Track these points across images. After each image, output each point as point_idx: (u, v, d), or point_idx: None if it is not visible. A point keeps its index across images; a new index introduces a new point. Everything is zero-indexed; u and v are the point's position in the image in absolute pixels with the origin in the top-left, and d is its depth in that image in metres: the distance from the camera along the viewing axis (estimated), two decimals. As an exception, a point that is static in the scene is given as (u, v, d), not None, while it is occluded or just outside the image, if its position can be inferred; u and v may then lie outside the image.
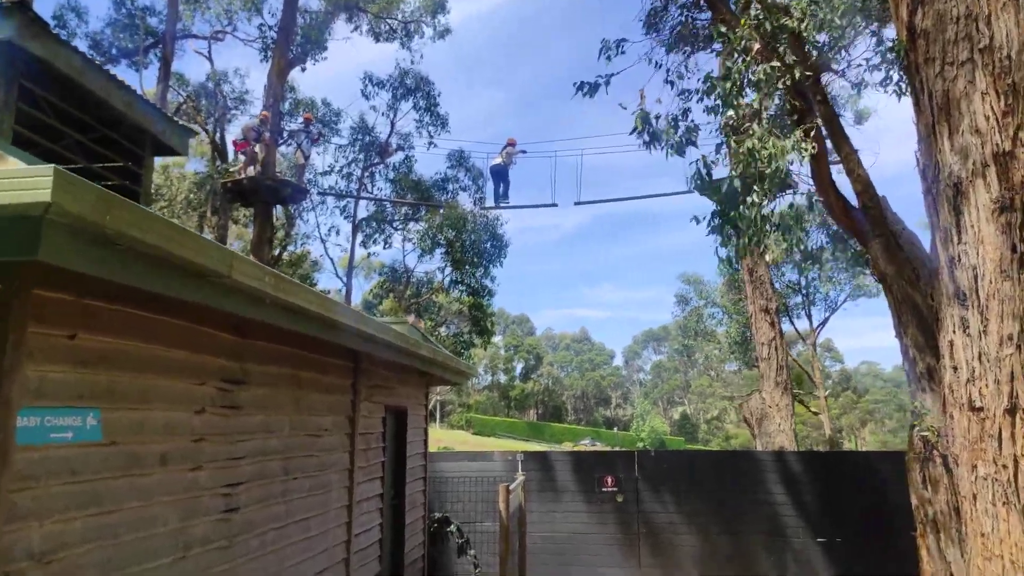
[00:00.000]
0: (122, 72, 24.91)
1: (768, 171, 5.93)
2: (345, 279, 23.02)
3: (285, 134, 17.62)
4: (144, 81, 23.77)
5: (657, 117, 7.26)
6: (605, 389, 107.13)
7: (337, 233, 23.40)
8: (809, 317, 27.33)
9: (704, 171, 6.83)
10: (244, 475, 4.61)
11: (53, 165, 2.21)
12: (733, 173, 6.57)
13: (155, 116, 5.84)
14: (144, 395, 3.61)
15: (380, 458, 7.57)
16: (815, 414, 29.58)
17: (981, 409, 5.07)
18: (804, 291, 26.62)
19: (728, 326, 25.47)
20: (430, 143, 22.13)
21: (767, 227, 6.26)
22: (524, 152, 18.17)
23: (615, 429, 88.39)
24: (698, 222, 7.05)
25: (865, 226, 6.78)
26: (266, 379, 4.98)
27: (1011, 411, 4.90)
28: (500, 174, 18.02)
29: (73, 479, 3.09)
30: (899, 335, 6.50)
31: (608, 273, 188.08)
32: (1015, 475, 4.80)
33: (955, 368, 5.31)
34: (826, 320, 27.30)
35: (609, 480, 11.51)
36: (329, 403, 6.15)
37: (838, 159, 7.24)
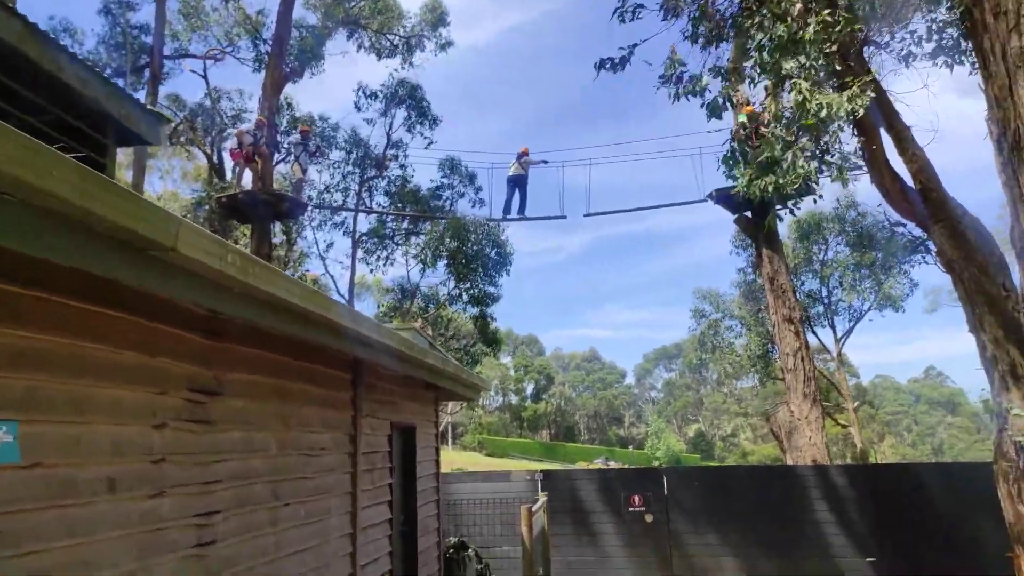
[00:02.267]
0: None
1: (817, 119, 5.18)
2: (347, 297, 22.35)
3: (283, 149, 17.05)
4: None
5: (684, 67, 6.57)
6: (617, 408, 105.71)
7: (331, 247, 22.87)
8: (832, 328, 26.29)
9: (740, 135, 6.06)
10: (222, 502, 3.88)
11: None
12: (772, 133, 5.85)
13: (119, 97, 5.18)
14: (80, 405, 2.90)
15: (387, 480, 6.82)
16: (843, 427, 28.40)
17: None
18: (826, 300, 25.66)
19: (748, 338, 24.54)
20: (428, 143, 21.62)
21: (804, 175, 5.50)
22: (545, 163, 17.53)
23: (629, 448, 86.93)
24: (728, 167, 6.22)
25: (924, 210, 6.03)
26: (247, 390, 4.26)
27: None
28: (518, 184, 17.36)
29: (-26, 513, 2.38)
30: (975, 329, 5.73)
31: (615, 294, 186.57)
32: None
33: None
34: (851, 330, 26.24)
35: (636, 499, 10.70)
36: (325, 419, 5.42)
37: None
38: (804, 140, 5.45)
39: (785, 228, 22.16)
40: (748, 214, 16.82)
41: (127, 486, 3.13)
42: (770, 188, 5.80)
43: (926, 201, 5.99)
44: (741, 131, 16.32)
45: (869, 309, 25.35)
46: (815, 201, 6.01)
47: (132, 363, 3.23)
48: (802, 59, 5.51)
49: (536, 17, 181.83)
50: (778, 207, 17.10)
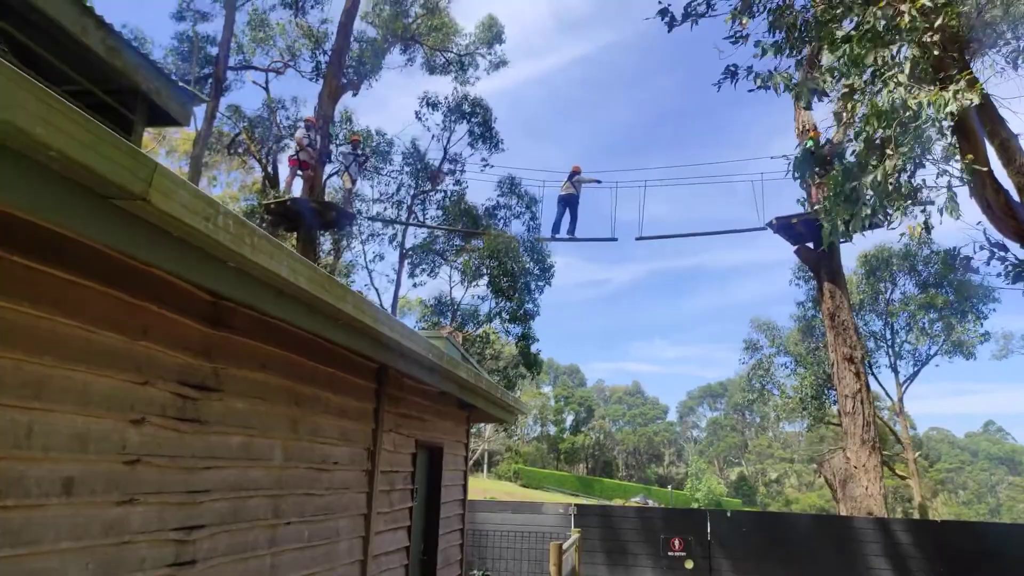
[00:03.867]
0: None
1: (917, 122, 4.51)
2: (391, 311, 22.10)
3: (333, 157, 16.93)
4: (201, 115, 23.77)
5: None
6: (658, 445, 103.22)
7: (382, 259, 22.56)
8: (895, 371, 24.78)
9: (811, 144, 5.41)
10: (208, 515, 3.40)
11: None
12: (855, 138, 5.19)
13: (149, 71, 4.84)
14: (37, 388, 2.46)
15: (407, 503, 6.27)
16: (902, 478, 26.72)
17: None
18: (890, 342, 24.25)
19: (802, 377, 23.30)
20: (485, 165, 21.30)
21: (898, 194, 4.79)
22: (598, 182, 16.99)
23: (668, 487, 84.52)
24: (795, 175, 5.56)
25: (1034, 227, 5.30)
26: (251, 389, 3.80)
27: None
28: (569, 204, 16.86)
29: None
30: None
31: (662, 328, 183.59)
32: None
33: None
34: (915, 374, 24.58)
35: (677, 543, 9.90)
36: (342, 429, 4.93)
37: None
38: (890, 162, 4.77)
39: (852, 263, 21.07)
40: (810, 245, 15.96)
41: (88, 489, 2.67)
42: (857, 223, 5.05)
43: (1036, 218, 5.26)
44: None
45: (936, 354, 23.88)
46: (894, 228, 5.25)
47: (109, 345, 2.79)
48: (895, 50, 4.88)
49: (596, 50, 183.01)
50: (842, 239, 16.21)
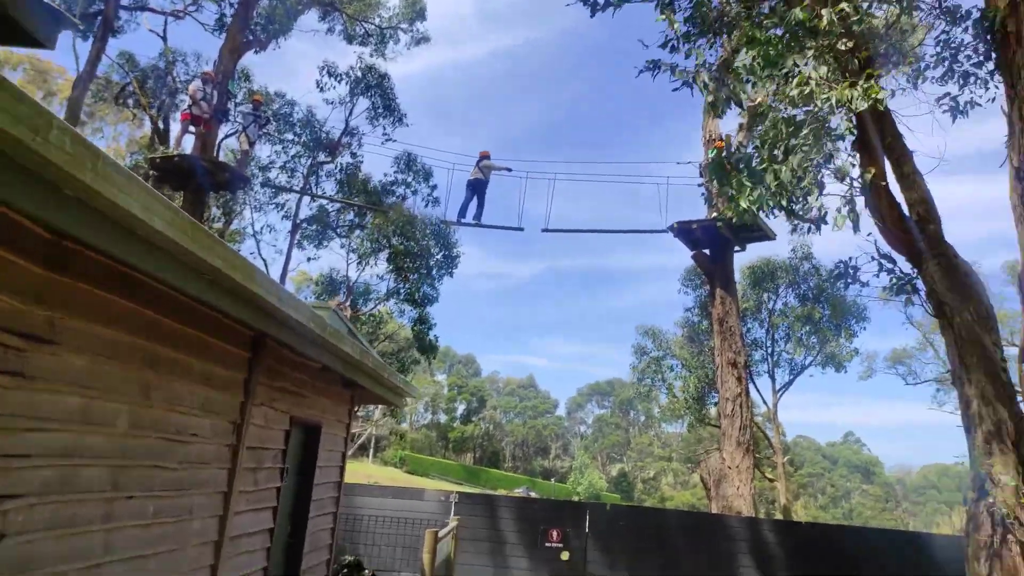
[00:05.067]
0: (65, 40, 23.03)
1: (816, 124, 4.58)
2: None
3: (231, 116, 15.90)
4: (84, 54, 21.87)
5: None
6: (546, 439, 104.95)
7: (272, 230, 21.47)
8: (772, 378, 26.30)
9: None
10: (27, 483, 2.95)
11: None
12: (761, 145, 5.24)
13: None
14: None
15: (276, 483, 5.88)
16: (770, 481, 28.33)
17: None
18: (770, 351, 25.68)
19: (687, 379, 24.27)
20: (387, 139, 20.69)
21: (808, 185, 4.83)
22: (509, 170, 16.79)
23: (552, 480, 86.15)
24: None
25: (921, 244, 5.53)
26: (94, 345, 3.35)
27: None
28: (477, 190, 16.59)
29: None
30: (959, 381, 5.19)
31: (560, 325, 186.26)
32: None
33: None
34: (790, 383, 26.23)
35: (555, 534, 9.92)
36: (205, 399, 4.50)
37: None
38: (795, 158, 4.86)
39: (738, 274, 22.02)
40: (707, 252, 16.51)
41: None
42: (771, 201, 5.08)
43: (923, 234, 5.50)
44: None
45: (810, 364, 25.51)
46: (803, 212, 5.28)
47: (-96, 275, 2.33)
48: (810, 54, 4.96)
49: (515, 45, 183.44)
50: (736, 248, 16.81)
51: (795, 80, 4.87)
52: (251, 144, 15.57)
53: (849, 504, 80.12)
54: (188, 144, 15.34)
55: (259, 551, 5.55)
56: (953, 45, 5.54)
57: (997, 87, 5.21)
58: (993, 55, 5.22)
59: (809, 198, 4.89)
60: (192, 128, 14.62)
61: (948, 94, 5.66)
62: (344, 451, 8.16)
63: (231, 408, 4.89)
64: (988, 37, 5.04)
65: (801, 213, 4.95)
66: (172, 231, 2.80)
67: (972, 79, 5.59)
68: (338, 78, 20.88)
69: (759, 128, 5.84)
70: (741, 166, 5.03)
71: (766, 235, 16.23)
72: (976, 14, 5.23)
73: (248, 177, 16.70)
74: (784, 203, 4.91)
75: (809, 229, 5.24)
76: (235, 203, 20.81)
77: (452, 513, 9.68)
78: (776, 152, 4.98)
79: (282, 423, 5.91)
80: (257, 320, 4.33)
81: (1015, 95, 4.67)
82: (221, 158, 18.13)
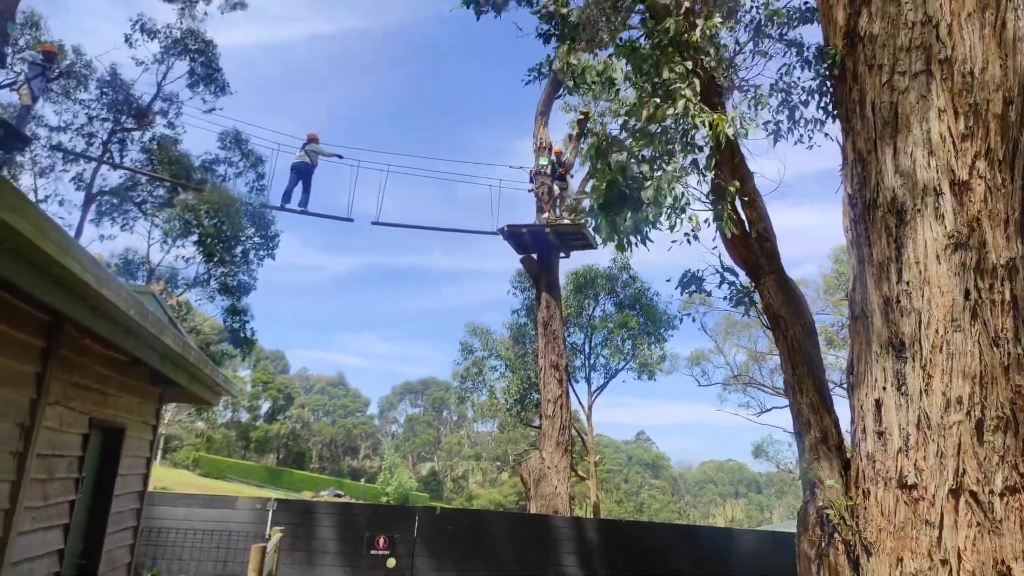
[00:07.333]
0: None
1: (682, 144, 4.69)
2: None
3: (8, 63, 13.57)
4: None
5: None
6: (356, 438, 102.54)
7: (61, 203, 18.72)
8: (588, 381, 27.65)
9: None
10: None
11: None
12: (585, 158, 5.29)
13: None
14: None
15: (70, 495, 4.97)
16: (582, 479, 29.66)
17: (914, 487, 4.13)
18: (587, 355, 26.96)
19: (510, 380, 24.73)
20: (210, 109, 18.84)
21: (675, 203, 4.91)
22: (340, 156, 15.88)
23: (361, 480, 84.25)
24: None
25: (759, 259, 5.88)
26: None
27: (955, 492, 4.00)
28: (303, 174, 15.54)
29: None
30: (791, 390, 5.57)
31: (374, 323, 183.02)
32: (957, 574, 3.88)
33: (881, 433, 4.37)
34: (604, 386, 27.80)
35: (381, 541, 9.51)
36: (-15, 397, 3.65)
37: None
38: (663, 179, 4.97)
39: (562, 279, 22.86)
40: (535, 256, 16.86)
41: None
42: (638, 223, 5.06)
43: (761, 250, 5.88)
44: (545, 173, 16.44)
45: (623, 369, 27.15)
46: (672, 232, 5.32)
47: None
48: (680, 69, 5.09)
49: (339, 32, 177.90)
50: (562, 254, 17.34)
51: (671, 99, 4.99)
52: (34, 99, 13.35)
53: (641, 498, 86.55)
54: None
55: (45, 579, 4.64)
56: (787, 81, 5.99)
57: (835, 120, 5.69)
58: (829, 90, 5.70)
59: (682, 216, 5.00)
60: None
61: (772, 120, 6.14)
62: (149, 456, 7.19)
63: (18, 408, 4.02)
64: (827, 73, 5.50)
65: (672, 228, 5.06)
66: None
67: (798, 115, 6.06)
68: (151, 35, 18.64)
69: (584, 141, 5.96)
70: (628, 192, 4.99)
71: (589, 243, 16.91)
72: (815, 51, 5.69)
73: (29, 137, 14.35)
74: (663, 220, 5.00)
75: (675, 242, 5.42)
76: (12, 166, 17.85)
77: (269, 523, 8.91)
78: (599, 164, 5.10)
79: (80, 426, 5.01)
80: (62, 302, 3.58)
81: (849, 128, 5.09)
82: (-3, 113, 15.50)
